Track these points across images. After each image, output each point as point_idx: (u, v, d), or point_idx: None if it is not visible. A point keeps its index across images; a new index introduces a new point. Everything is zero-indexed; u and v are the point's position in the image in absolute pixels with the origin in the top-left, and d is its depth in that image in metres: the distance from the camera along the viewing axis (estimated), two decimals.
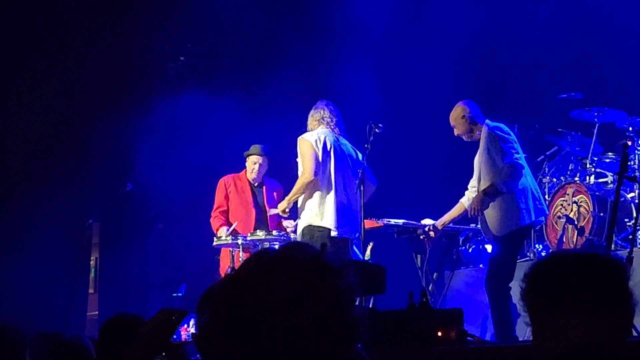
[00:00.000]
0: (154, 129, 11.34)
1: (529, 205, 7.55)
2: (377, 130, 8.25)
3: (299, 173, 8.34)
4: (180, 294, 11.40)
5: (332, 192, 8.16)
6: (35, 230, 11.48)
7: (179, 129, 11.81)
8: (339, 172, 8.26)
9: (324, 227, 8.12)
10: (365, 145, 8.27)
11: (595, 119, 9.39)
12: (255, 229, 9.16)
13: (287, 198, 8.50)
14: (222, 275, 9.32)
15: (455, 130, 7.83)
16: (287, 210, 8.57)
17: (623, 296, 2.39)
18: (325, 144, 8.21)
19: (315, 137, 8.22)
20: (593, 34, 10.76)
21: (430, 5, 11.41)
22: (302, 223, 8.28)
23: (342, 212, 8.18)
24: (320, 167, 8.16)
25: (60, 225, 11.45)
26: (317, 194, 8.17)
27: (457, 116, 7.78)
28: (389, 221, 8.89)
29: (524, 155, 7.75)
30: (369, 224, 8.46)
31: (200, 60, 12.19)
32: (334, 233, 8.11)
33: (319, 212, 8.14)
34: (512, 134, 7.69)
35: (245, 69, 12.11)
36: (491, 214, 7.56)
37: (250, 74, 12.05)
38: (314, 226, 8.15)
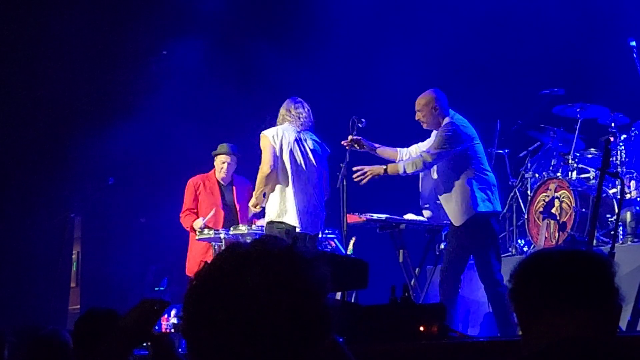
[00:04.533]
0: (136, 122, 11.30)
1: (489, 196, 7.67)
2: (360, 125, 8.26)
3: None
4: (162, 288, 11.39)
5: (290, 189, 8.19)
6: (17, 224, 11.45)
7: (161, 122, 11.78)
8: (298, 168, 8.26)
9: (282, 223, 8.15)
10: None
11: (578, 115, 9.41)
12: (223, 228, 9.17)
13: (254, 194, 8.53)
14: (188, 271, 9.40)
15: (419, 115, 7.90)
16: (258, 205, 8.54)
17: (609, 291, 2.40)
18: (282, 139, 8.25)
19: (274, 132, 8.30)
20: (576, 29, 10.79)
21: (414, 1, 11.43)
22: (265, 219, 8.34)
23: (302, 208, 8.19)
24: (277, 160, 8.22)
25: (42, 219, 11.42)
26: (276, 191, 8.23)
27: (426, 104, 7.85)
28: (372, 216, 8.89)
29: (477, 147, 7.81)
30: (351, 218, 8.46)
31: (182, 54, 12.15)
32: (292, 228, 8.13)
33: (278, 208, 8.19)
34: (462, 130, 7.73)
35: (227, 64, 12.09)
36: (449, 205, 7.70)
37: (231, 69, 12.04)
38: (274, 222, 8.19)
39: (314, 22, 11.63)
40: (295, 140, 8.31)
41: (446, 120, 7.79)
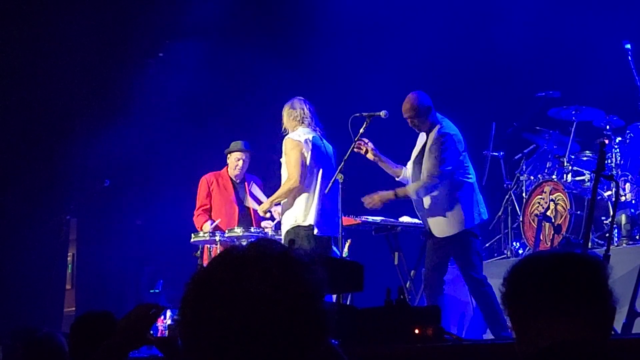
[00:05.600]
0: (132, 124, 11.30)
1: (477, 207, 7.63)
2: (383, 116, 8.13)
3: (283, 173, 8.23)
4: (157, 291, 11.38)
5: (317, 193, 8.07)
6: (13, 226, 11.43)
7: (158, 125, 11.78)
8: (322, 172, 8.17)
9: (309, 226, 8.04)
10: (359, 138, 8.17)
11: (573, 117, 9.43)
12: (239, 226, 9.14)
13: (269, 200, 8.43)
14: None
15: (413, 122, 7.74)
16: (267, 212, 8.53)
17: (602, 294, 2.40)
18: (313, 146, 8.10)
19: (304, 138, 8.09)
20: (571, 32, 10.80)
21: (409, 1, 11.44)
22: (287, 223, 8.15)
23: (325, 211, 8.11)
24: (307, 172, 8.07)
25: (38, 220, 11.40)
26: (304, 196, 8.07)
27: (419, 110, 7.67)
28: (367, 218, 8.89)
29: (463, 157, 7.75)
30: (346, 221, 8.45)
31: (179, 56, 12.16)
32: (316, 232, 8.04)
33: (305, 212, 8.05)
34: (457, 141, 7.65)
35: (225, 65, 12.09)
36: (435, 217, 7.66)
37: (228, 71, 12.04)
38: (300, 226, 8.05)
39: (311, 23, 11.63)
40: (319, 145, 8.20)
41: (437, 127, 7.71)
